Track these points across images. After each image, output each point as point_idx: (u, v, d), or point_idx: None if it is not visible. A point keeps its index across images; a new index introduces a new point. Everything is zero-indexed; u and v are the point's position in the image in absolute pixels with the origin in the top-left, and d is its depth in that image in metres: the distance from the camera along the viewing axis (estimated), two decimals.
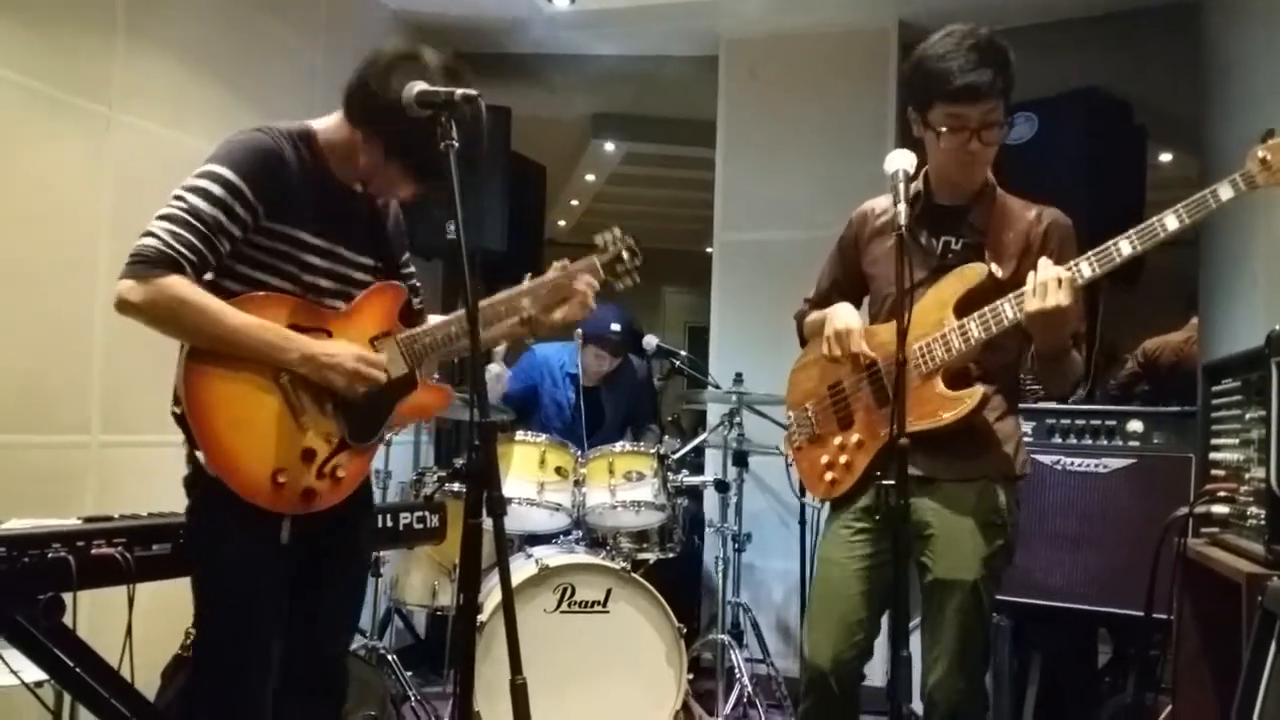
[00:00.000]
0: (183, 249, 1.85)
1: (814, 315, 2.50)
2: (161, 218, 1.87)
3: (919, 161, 2.17)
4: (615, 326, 4.11)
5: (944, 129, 2.16)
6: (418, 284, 2.31)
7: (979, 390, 2.16)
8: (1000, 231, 2.25)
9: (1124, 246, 2.03)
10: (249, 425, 1.91)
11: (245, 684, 1.96)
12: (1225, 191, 1.96)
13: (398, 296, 2.16)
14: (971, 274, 2.21)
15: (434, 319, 2.27)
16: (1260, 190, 1.95)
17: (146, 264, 1.83)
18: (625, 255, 2.33)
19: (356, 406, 2.03)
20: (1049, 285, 2.01)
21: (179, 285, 1.84)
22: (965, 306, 2.19)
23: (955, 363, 2.19)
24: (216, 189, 1.88)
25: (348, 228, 2.09)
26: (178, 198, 1.88)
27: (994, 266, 2.20)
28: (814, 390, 2.44)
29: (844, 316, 2.32)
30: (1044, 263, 2.06)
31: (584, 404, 4.02)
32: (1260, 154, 1.94)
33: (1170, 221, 2.00)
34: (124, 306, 1.84)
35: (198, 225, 1.86)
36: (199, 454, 1.90)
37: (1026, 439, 3.20)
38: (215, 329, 1.87)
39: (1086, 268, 2.04)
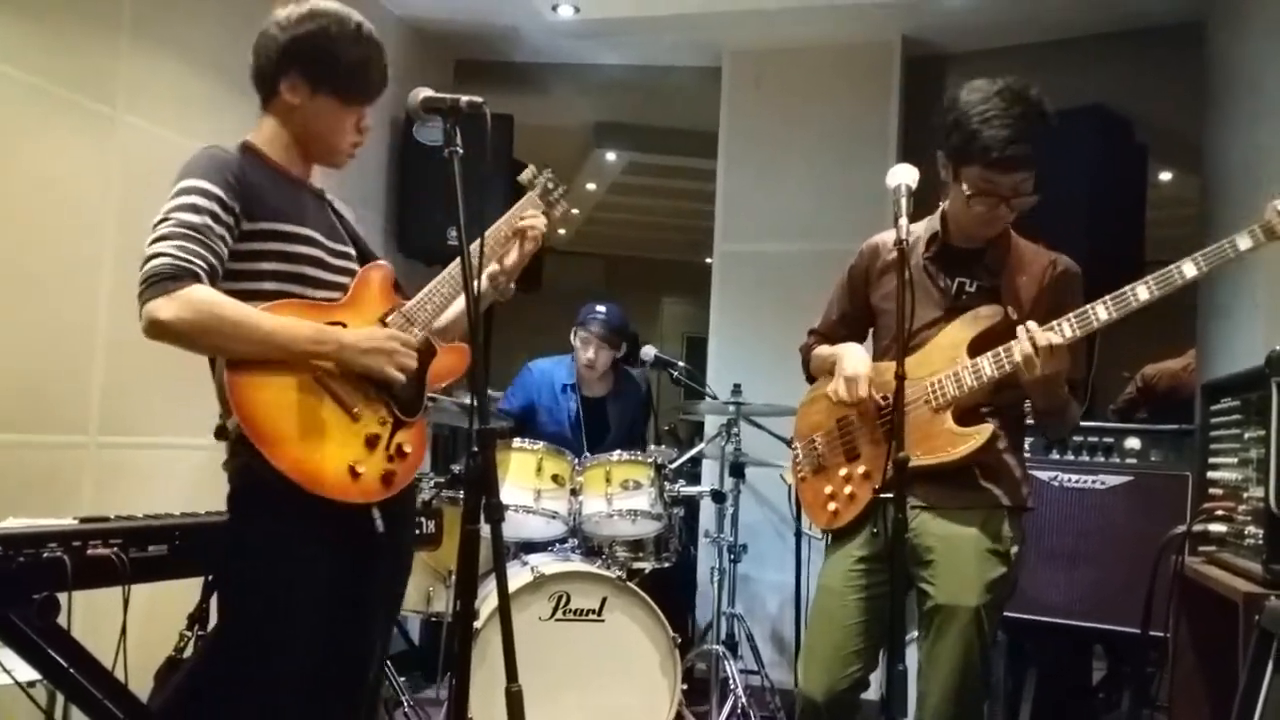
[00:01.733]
0: (192, 259, 1.83)
1: (822, 351, 2.50)
2: (159, 239, 1.84)
3: (933, 199, 2.18)
4: (600, 308, 4.12)
5: (976, 193, 2.16)
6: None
7: (988, 428, 2.17)
8: (1014, 276, 2.26)
9: (1100, 312, 2.06)
10: (307, 427, 1.88)
11: (281, 690, 1.91)
12: (1244, 242, 1.98)
13: (388, 273, 2.17)
14: (987, 315, 2.22)
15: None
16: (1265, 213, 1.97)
17: (168, 279, 1.80)
18: (550, 184, 2.45)
19: (395, 384, 2.02)
20: (1040, 354, 2.03)
21: (209, 293, 1.82)
22: (978, 348, 2.19)
23: (966, 400, 2.20)
24: (197, 199, 1.88)
25: (316, 218, 2.09)
26: (161, 222, 1.86)
27: (1009, 309, 2.21)
28: (822, 424, 2.44)
29: (854, 362, 2.31)
30: (1024, 332, 2.06)
31: (587, 416, 4.01)
32: (1278, 205, 1.96)
33: (1189, 269, 2.01)
34: (159, 328, 1.78)
35: (196, 235, 1.85)
36: (275, 465, 1.83)
37: (1026, 464, 3.22)
38: (254, 332, 1.84)
39: (1068, 328, 2.06)
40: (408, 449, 2.03)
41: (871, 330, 2.49)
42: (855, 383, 2.27)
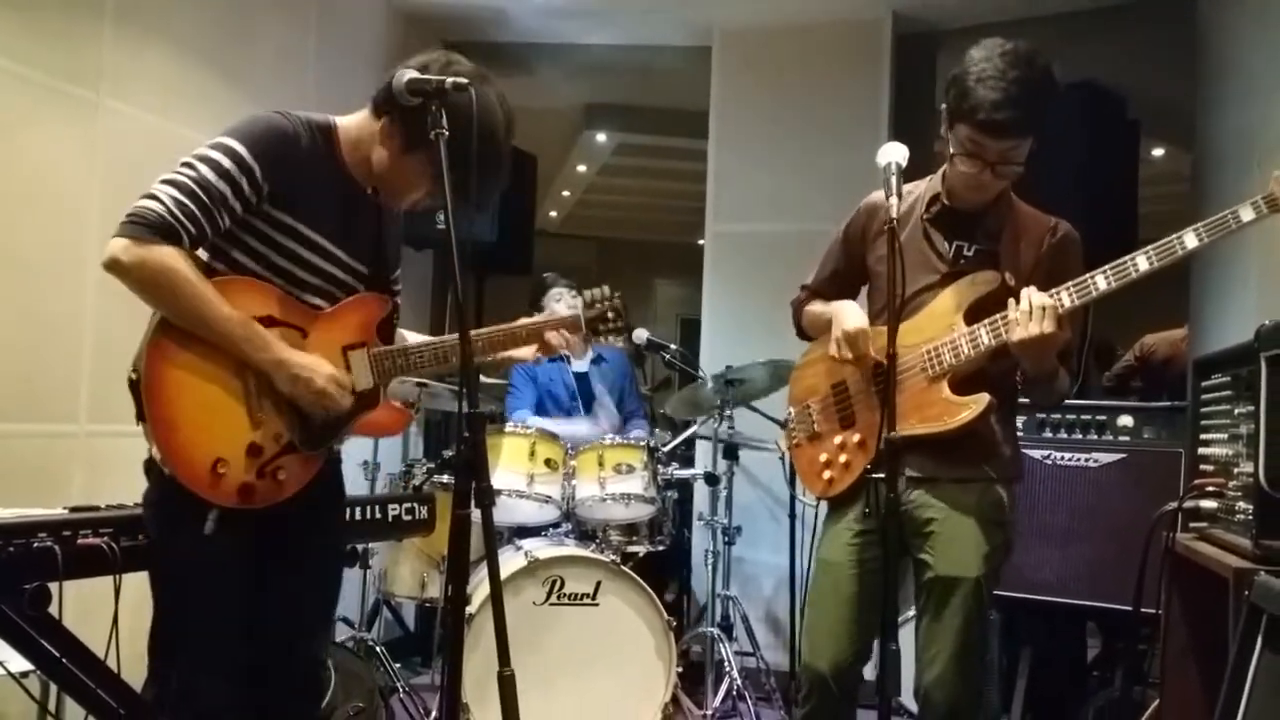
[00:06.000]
0: (184, 219, 1.80)
1: (816, 308, 2.47)
2: (167, 182, 1.82)
3: (937, 160, 2.15)
4: (546, 274, 4.16)
5: (962, 152, 2.13)
6: (399, 301, 2.24)
7: (985, 397, 2.15)
8: (1014, 240, 2.23)
9: (1100, 281, 2.05)
10: (202, 408, 1.87)
11: (207, 681, 1.92)
12: (1247, 213, 1.97)
13: (381, 309, 2.11)
14: (983, 281, 2.20)
15: (412, 337, 2.23)
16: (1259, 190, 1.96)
17: (146, 227, 1.78)
18: (610, 315, 2.28)
19: (313, 417, 1.99)
20: (1034, 314, 2.02)
21: (175, 258, 1.80)
22: (975, 313, 2.18)
23: (963, 368, 2.18)
24: (227, 162, 1.85)
25: (351, 229, 2.05)
26: (188, 165, 1.84)
27: (1007, 275, 2.18)
28: (817, 388, 2.42)
29: (853, 318, 2.28)
30: (1028, 291, 2.06)
31: (576, 386, 4.03)
32: None
33: (1190, 240, 2.00)
34: (113, 265, 1.78)
35: (202, 197, 1.82)
36: (150, 421, 1.83)
37: (1017, 433, 3.22)
38: (201, 312, 1.83)
39: (1066, 297, 2.06)
40: (283, 476, 1.96)
41: (866, 290, 2.45)
42: (857, 340, 2.24)
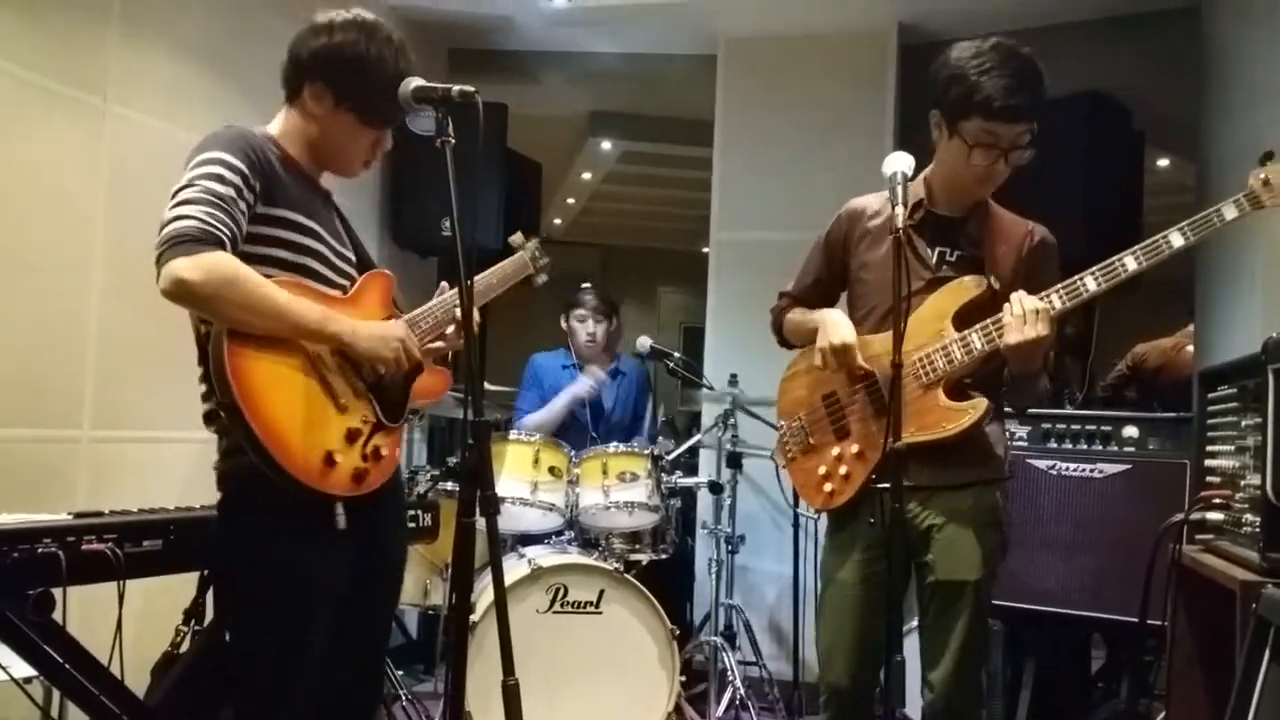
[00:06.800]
0: (220, 225, 1.81)
1: (799, 317, 2.48)
2: (183, 203, 1.82)
3: (918, 166, 2.17)
4: (585, 285, 4.25)
5: (976, 145, 2.17)
6: None
7: (983, 402, 2.18)
8: (995, 244, 2.27)
9: (1090, 282, 2.09)
10: (295, 406, 1.86)
11: (299, 704, 1.91)
12: (1229, 211, 2.01)
13: (389, 283, 2.17)
14: (970, 286, 2.22)
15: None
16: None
17: (194, 241, 1.76)
18: (537, 253, 2.56)
19: (384, 388, 2.02)
20: (1027, 318, 2.06)
21: (232, 260, 1.80)
22: (962, 318, 2.20)
23: (955, 374, 2.20)
24: (223, 170, 1.86)
25: (324, 218, 2.08)
26: (187, 186, 1.84)
27: (992, 279, 2.21)
28: (806, 399, 2.42)
29: (841, 330, 2.28)
30: (1019, 295, 2.09)
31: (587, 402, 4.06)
32: (1262, 175, 1.97)
33: (1176, 239, 2.04)
34: (179, 287, 1.73)
35: (221, 204, 1.83)
36: (254, 431, 1.79)
37: (1022, 443, 3.22)
38: (270, 303, 1.81)
39: (1057, 300, 2.10)
40: (384, 452, 2.00)
41: (846, 297, 2.47)
42: (845, 352, 2.25)
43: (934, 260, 2.29)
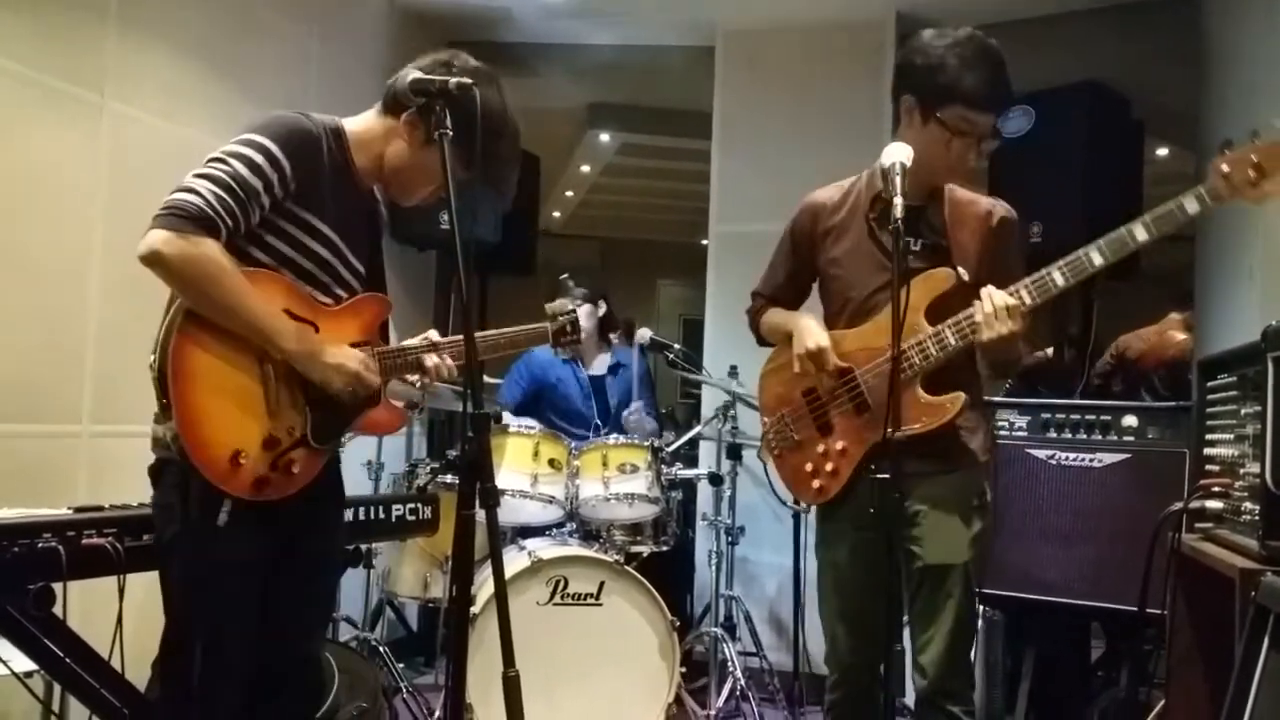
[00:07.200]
0: (223, 213, 1.81)
1: (774, 319, 2.52)
2: (203, 177, 1.83)
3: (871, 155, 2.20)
4: (565, 274, 4.15)
5: (955, 133, 2.20)
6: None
7: (960, 396, 2.21)
8: (957, 231, 2.29)
9: (1057, 277, 2.11)
10: (224, 399, 1.88)
11: (222, 685, 1.92)
12: (1191, 205, 2.02)
13: (384, 310, 2.17)
14: (939, 280, 2.24)
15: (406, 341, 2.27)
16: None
17: (188, 220, 1.78)
18: (568, 329, 2.48)
19: (324, 408, 2.02)
20: (999, 315, 2.09)
21: (216, 251, 1.81)
22: (934, 311, 2.22)
23: (931, 369, 2.23)
24: (260, 159, 1.86)
25: (355, 229, 2.08)
26: (220, 160, 1.85)
27: (960, 270, 2.24)
28: (788, 396, 2.45)
29: (815, 334, 2.33)
30: (989, 292, 2.12)
31: (592, 390, 4.09)
32: (1223, 168, 1.97)
33: (1139, 232, 2.05)
34: (154, 257, 1.77)
35: (239, 191, 1.84)
36: (172, 408, 1.83)
37: (1021, 433, 3.22)
38: (238, 305, 1.84)
39: (1026, 295, 2.12)
40: (296, 469, 1.99)
41: (819, 291, 2.50)
42: (820, 355, 2.30)
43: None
